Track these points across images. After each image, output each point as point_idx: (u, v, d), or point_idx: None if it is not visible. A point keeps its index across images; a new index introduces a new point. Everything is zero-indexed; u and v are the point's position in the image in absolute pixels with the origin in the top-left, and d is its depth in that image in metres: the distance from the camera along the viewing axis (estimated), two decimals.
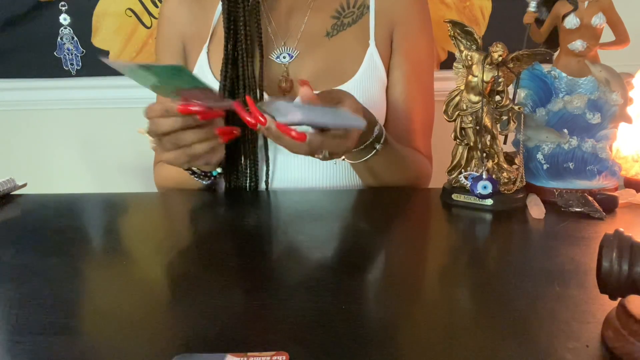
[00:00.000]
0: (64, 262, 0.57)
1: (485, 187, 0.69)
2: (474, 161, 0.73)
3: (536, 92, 0.75)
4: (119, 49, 1.30)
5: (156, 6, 1.28)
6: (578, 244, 0.60)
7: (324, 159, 0.67)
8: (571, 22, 0.70)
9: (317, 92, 0.63)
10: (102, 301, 0.49)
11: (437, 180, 0.88)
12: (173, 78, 0.62)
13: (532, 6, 0.75)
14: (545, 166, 0.74)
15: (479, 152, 0.72)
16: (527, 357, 0.38)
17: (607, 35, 0.72)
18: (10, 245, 0.63)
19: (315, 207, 0.77)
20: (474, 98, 0.70)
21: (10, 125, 1.38)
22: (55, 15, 1.28)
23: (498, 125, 0.72)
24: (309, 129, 0.62)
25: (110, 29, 1.29)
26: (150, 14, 1.29)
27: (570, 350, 0.38)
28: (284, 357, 0.37)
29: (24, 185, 0.84)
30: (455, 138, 0.74)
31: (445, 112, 0.74)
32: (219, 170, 0.81)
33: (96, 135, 1.38)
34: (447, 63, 1.29)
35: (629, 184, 0.77)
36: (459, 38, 0.71)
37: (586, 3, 0.70)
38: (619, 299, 0.39)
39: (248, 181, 0.85)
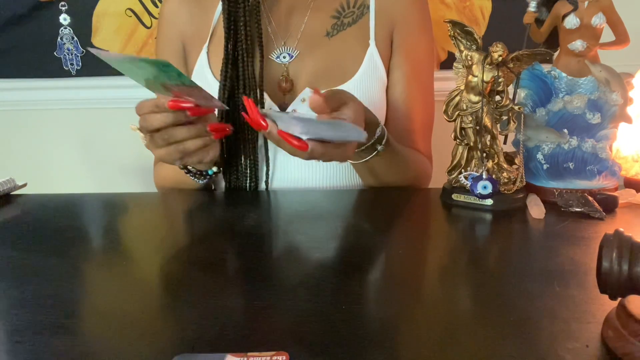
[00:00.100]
0: (64, 262, 0.57)
1: (485, 187, 0.69)
2: (474, 161, 0.73)
3: (536, 92, 0.75)
4: (119, 49, 1.30)
5: (156, 6, 1.28)
6: (578, 244, 0.60)
7: (324, 161, 0.67)
8: (571, 22, 0.70)
9: (322, 91, 0.63)
10: (102, 301, 0.49)
11: (437, 180, 0.88)
12: (160, 73, 0.62)
13: (532, 6, 0.75)
14: (545, 166, 0.74)
15: (479, 152, 0.72)
16: (527, 357, 0.38)
17: (607, 35, 0.72)
18: (10, 245, 0.63)
19: (315, 207, 0.77)
20: (474, 98, 0.70)
21: (10, 125, 1.38)
22: (55, 15, 1.28)
23: (498, 125, 0.72)
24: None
25: (110, 29, 1.30)
26: (150, 14, 1.29)
27: (570, 351, 0.38)
28: (284, 357, 0.37)
29: (24, 185, 0.84)
30: (455, 138, 0.74)
31: (445, 112, 0.74)
32: (214, 169, 0.81)
33: (96, 135, 1.38)
34: (447, 63, 1.29)
35: (629, 184, 0.77)
36: (459, 38, 0.71)
37: (586, 3, 0.70)
38: (619, 299, 0.39)
39: (248, 181, 0.85)
